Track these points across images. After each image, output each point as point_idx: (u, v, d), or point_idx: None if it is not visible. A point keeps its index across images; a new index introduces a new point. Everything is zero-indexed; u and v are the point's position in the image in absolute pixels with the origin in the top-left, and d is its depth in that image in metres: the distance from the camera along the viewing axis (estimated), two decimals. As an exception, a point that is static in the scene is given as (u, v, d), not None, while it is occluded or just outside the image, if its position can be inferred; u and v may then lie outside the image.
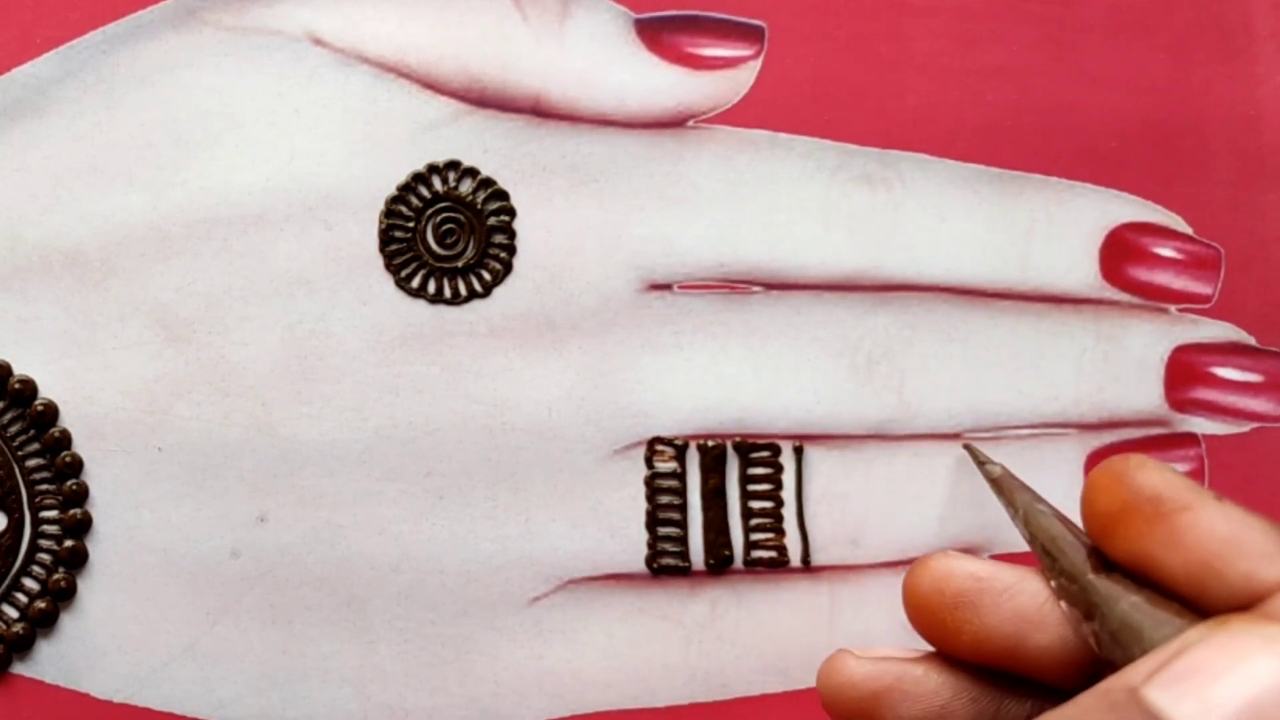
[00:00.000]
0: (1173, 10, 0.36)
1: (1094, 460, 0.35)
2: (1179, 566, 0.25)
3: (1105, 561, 0.27)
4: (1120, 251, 0.35)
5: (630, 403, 0.34)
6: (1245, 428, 0.36)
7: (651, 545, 0.34)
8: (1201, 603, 0.24)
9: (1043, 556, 0.28)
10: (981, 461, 0.32)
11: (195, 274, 0.34)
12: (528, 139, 0.34)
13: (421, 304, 0.34)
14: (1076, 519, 0.28)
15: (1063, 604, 0.27)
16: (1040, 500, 0.30)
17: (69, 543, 0.33)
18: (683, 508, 0.34)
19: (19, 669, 0.33)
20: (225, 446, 0.34)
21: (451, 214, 0.34)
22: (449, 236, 0.34)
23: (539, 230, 0.34)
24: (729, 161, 0.35)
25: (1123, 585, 0.25)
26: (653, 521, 0.34)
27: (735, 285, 0.35)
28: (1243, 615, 0.23)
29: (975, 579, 0.28)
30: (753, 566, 0.35)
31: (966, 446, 0.34)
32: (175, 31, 0.34)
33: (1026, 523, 0.29)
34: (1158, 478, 0.26)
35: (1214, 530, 0.25)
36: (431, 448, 0.34)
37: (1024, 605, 0.28)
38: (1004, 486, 0.31)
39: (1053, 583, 0.27)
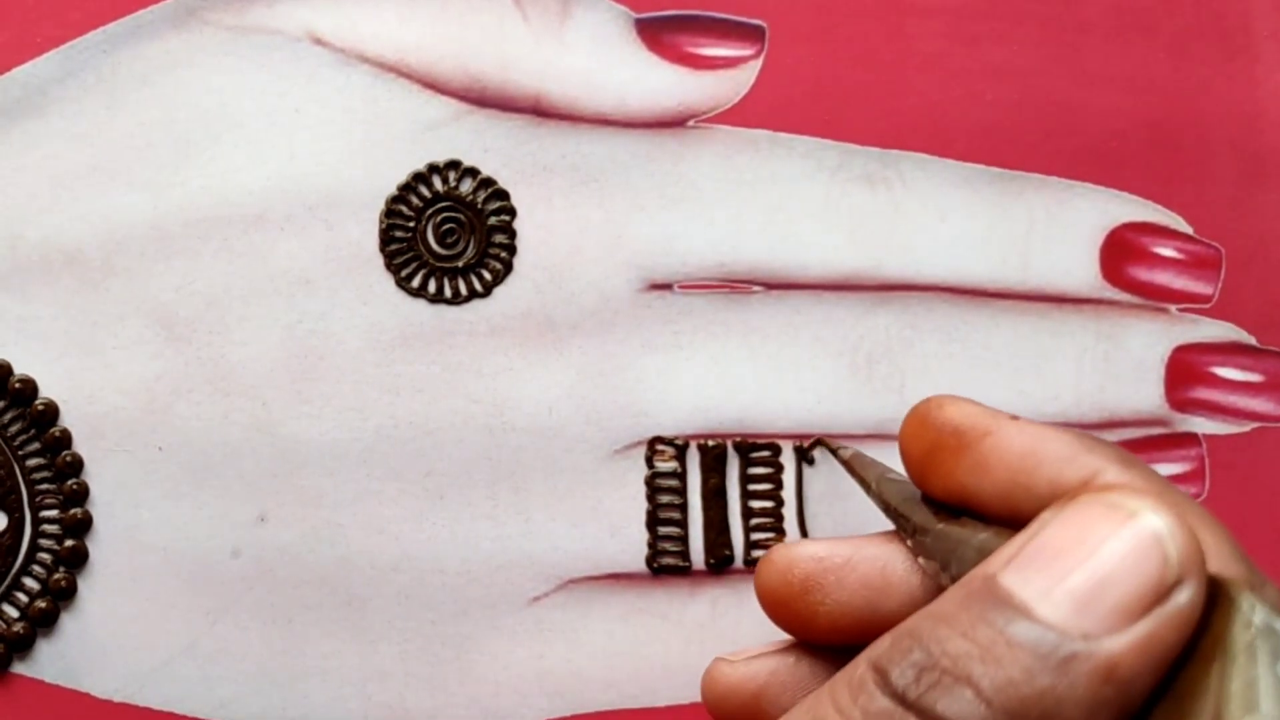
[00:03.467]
0: (1173, 10, 0.36)
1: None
2: (989, 490, 0.25)
3: (946, 509, 0.27)
4: (1120, 251, 0.35)
5: (631, 402, 0.34)
6: (1245, 427, 0.36)
7: (652, 545, 0.34)
8: (1019, 520, 0.24)
9: (896, 519, 0.28)
10: (834, 449, 0.33)
11: (195, 274, 0.34)
12: (528, 139, 0.34)
13: (422, 304, 0.34)
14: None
15: (921, 560, 0.27)
16: (891, 471, 0.30)
17: (69, 542, 0.33)
18: (683, 507, 0.34)
19: (19, 668, 0.33)
20: (225, 446, 0.34)
21: (452, 214, 0.34)
22: (449, 236, 0.34)
23: (539, 230, 0.34)
24: (729, 161, 0.35)
25: (971, 527, 0.26)
26: (653, 521, 0.34)
27: (736, 285, 0.35)
28: (1090, 489, 0.23)
29: (816, 560, 0.28)
30: (753, 566, 0.35)
31: (820, 441, 0.34)
32: (176, 31, 0.34)
33: (879, 492, 0.29)
34: (955, 410, 0.27)
35: (1012, 447, 0.25)
36: (432, 447, 0.34)
37: (867, 574, 0.28)
38: (855, 465, 0.31)
39: (909, 542, 0.28)
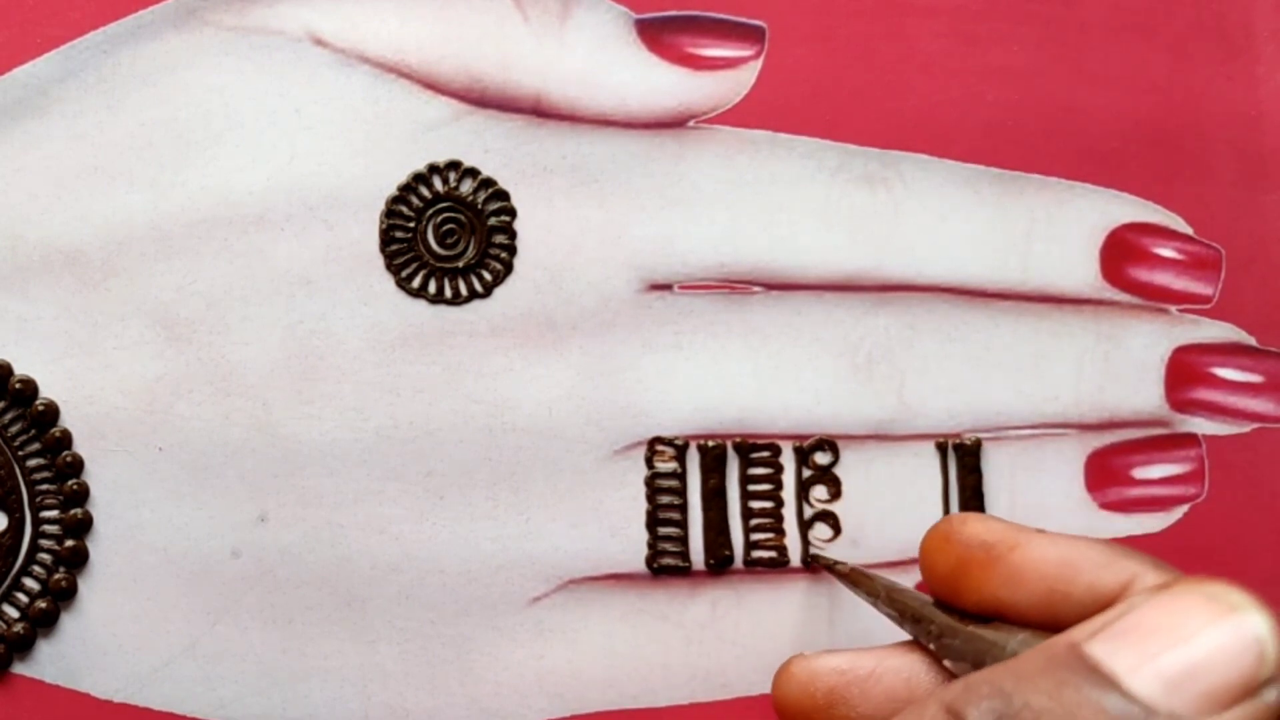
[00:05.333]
0: (1173, 10, 0.36)
1: (1094, 460, 0.35)
2: (1026, 600, 0.26)
3: (968, 615, 0.28)
4: (1121, 252, 0.35)
5: (630, 403, 0.34)
6: (1246, 428, 0.36)
7: (652, 545, 0.34)
8: (1059, 626, 0.25)
9: (914, 625, 0.29)
10: (830, 564, 0.34)
11: (196, 274, 0.34)
12: (528, 139, 0.34)
13: (422, 304, 0.34)
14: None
15: (947, 662, 0.28)
16: (894, 582, 0.31)
17: (69, 542, 0.33)
18: (683, 508, 0.34)
19: (19, 669, 0.33)
20: (226, 446, 0.34)
21: (452, 214, 0.34)
22: (450, 236, 0.34)
23: (540, 230, 0.34)
24: (730, 162, 0.35)
25: (1005, 630, 0.26)
26: (653, 521, 0.34)
27: (736, 285, 0.35)
28: (1185, 578, 0.24)
29: (839, 673, 0.29)
30: (753, 566, 0.35)
31: (813, 556, 0.34)
32: (176, 31, 0.34)
33: (890, 601, 0.30)
34: (981, 527, 0.28)
35: (1046, 558, 0.26)
36: (432, 448, 0.34)
37: (891, 685, 0.29)
38: (858, 578, 0.32)
39: (931, 645, 0.28)
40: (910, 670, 0.29)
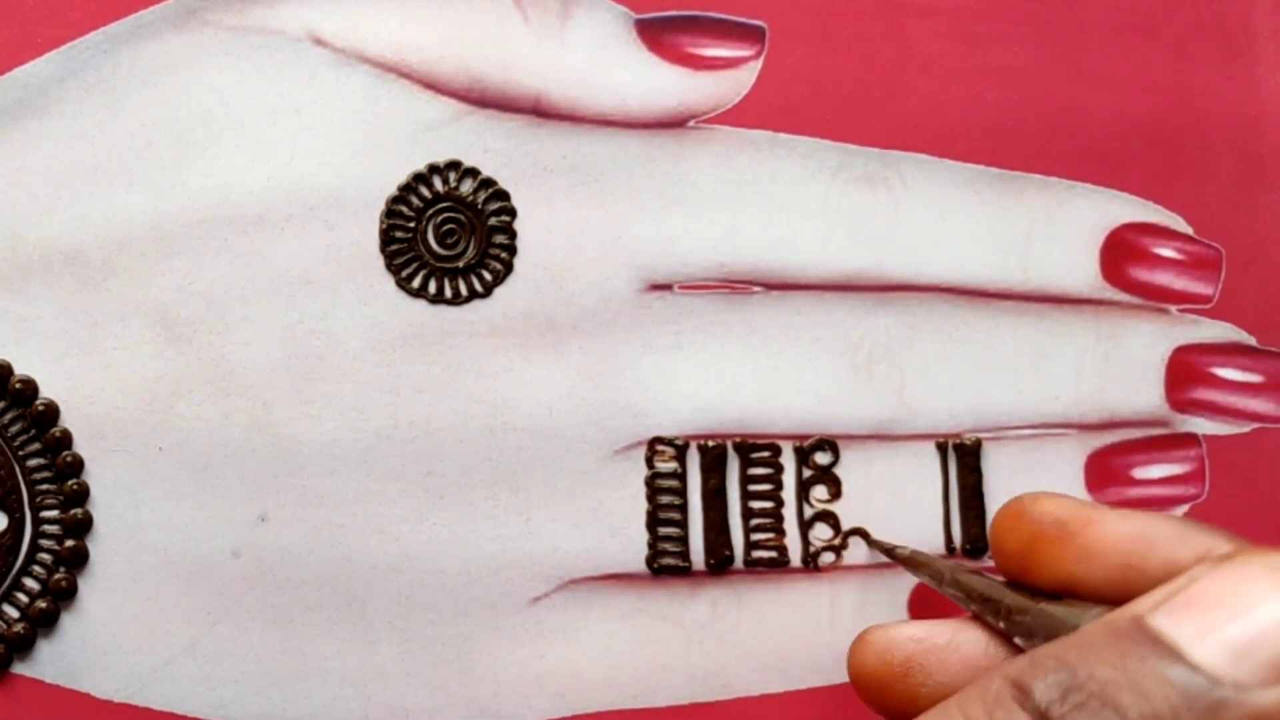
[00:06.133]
0: (1173, 10, 0.36)
1: (1094, 460, 0.35)
2: (1100, 575, 0.26)
3: (1039, 592, 0.28)
4: (1121, 252, 0.35)
5: (631, 403, 0.34)
6: (1246, 428, 0.36)
7: (652, 545, 0.34)
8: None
9: (984, 604, 0.29)
10: (889, 549, 0.33)
11: (196, 274, 0.34)
12: (528, 139, 0.34)
13: (422, 304, 0.34)
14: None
15: (1018, 640, 0.28)
16: (957, 564, 0.31)
17: (70, 542, 0.33)
18: (683, 508, 0.34)
19: (19, 669, 0.33)
20: (226, 446, 0.34)
21: (452, 214, 0.34)
22: (450, 236, 0.34)
23: (540, 230, 0.34)
24: (730, 162, 0.35)
25: (1078, 605, 0.26)
26: (653, 521, 0.34)
27: (736, 285, 0.35)
28: (1250, 548, 0.24)
29: (916, 641, 0.29)
30: (753, 567, 0.35)
31: (869, 541, 0.34)
32: (176, 31, 0.34)
33: (956, 583, 0.30)
34: (1054, 504, 0.28)
35: (1120, 533, 0.26)
36: (432, 448, 0.34)
37: (969, 654, 0.29)
38: (920, 560, 0.32)
39: (1001, 624, 0.28)
40: (988, 640, 0.29)
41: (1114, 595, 0.26)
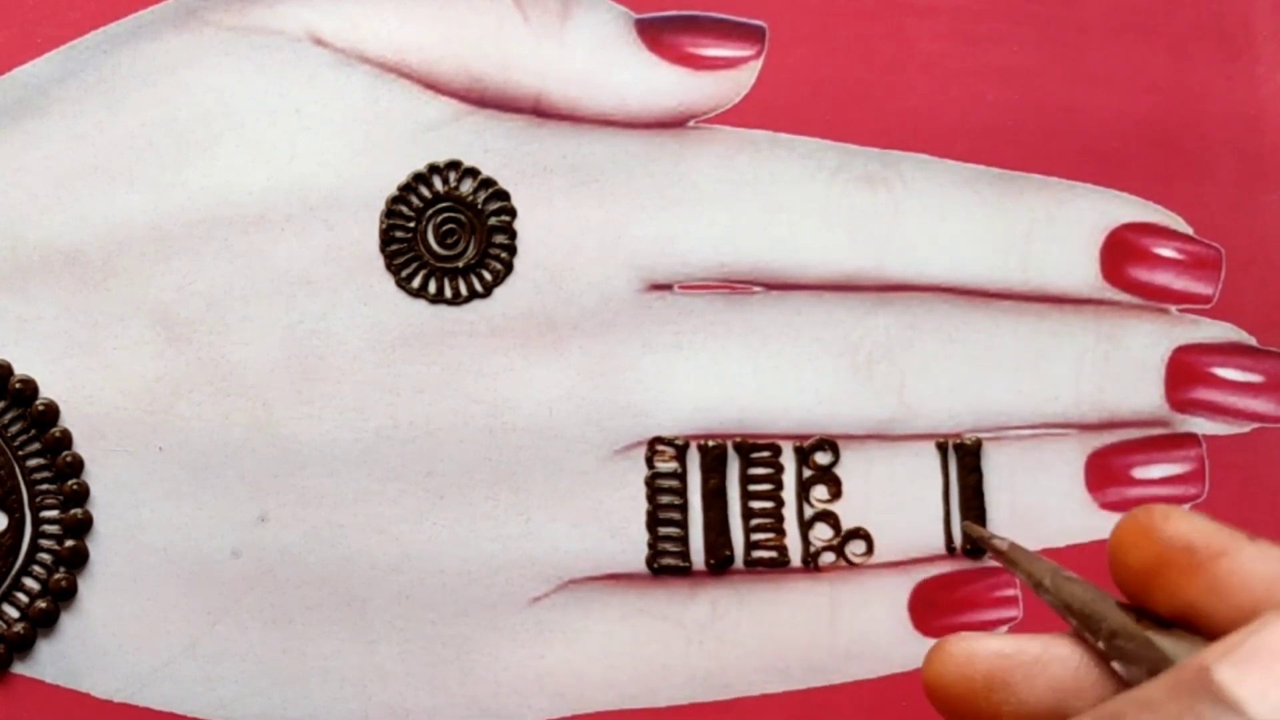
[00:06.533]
0: (1173, 11, 0.36)
1: (1094, 460, 0.35)
2: (1225, 614, 0.24)
3: (1150, 616, 0.26)
4: (1120, 252, 0.35)
5: (631, 403, 0.34)
6: (1246, 428, 0.36)
7: (652, 545, 0.34)
8: None
9: (1084, 619, 0.27)
10: (986, 538, 0.31)
11: (196, 274, 0.34)
12: (528, 139, 0.34)
13: (422, 304, 0.34)
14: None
15: (1116, 664, 0.26)
16: (1059, 568, 0.28)
17: (69, 542, 0.33)
18: (683, 508, 0.34)
19: (19, 669, 0.33)
20: (226, 446, 0.34)
21: (452, 214, 0.34)
22: (450, 236, 0.34)
23: (540, 230, 0.34)
24: (730, 162, 0.35)
25: (1187, 639, 0.25)
26: (653, 521, 0.34)
27: (736, 285, 0.35)
28: None
29: (1002, 656, 0.27)
30: (753, 567, 0.35)
31: (966, 528, 0.33)
32: (176, 31, 0.34)
33: (1057, 590, 0.28)
34: (1187, 526, 0.26)
35: (1255, 573, 0.24)
36: (432, 448, 0.34)
37: (1058, 675, 0.27)
38: (1018, 557, 0.29)
39: (1100, 644, 0.26)
40: (1079, 661, 0.27)
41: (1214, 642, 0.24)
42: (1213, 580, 0.25)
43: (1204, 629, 0.25)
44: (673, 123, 0.35)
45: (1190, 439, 0.35)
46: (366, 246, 0.34)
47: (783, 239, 0.35)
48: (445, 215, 0.34)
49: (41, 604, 0.33)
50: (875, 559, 0.35)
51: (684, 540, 0.34)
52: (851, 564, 0.35)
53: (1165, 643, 0.25)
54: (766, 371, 0.35)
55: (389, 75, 0.34)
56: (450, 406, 0.34)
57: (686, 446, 0.35)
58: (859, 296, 0.35)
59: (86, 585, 0.34)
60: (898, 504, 0.35)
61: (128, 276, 0.34)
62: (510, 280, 0.34)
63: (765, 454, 0.35)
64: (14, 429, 0.34)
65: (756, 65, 0.35)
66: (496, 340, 0.34)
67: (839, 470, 0.35)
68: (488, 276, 0.34)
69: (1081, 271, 0.35)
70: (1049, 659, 0.27)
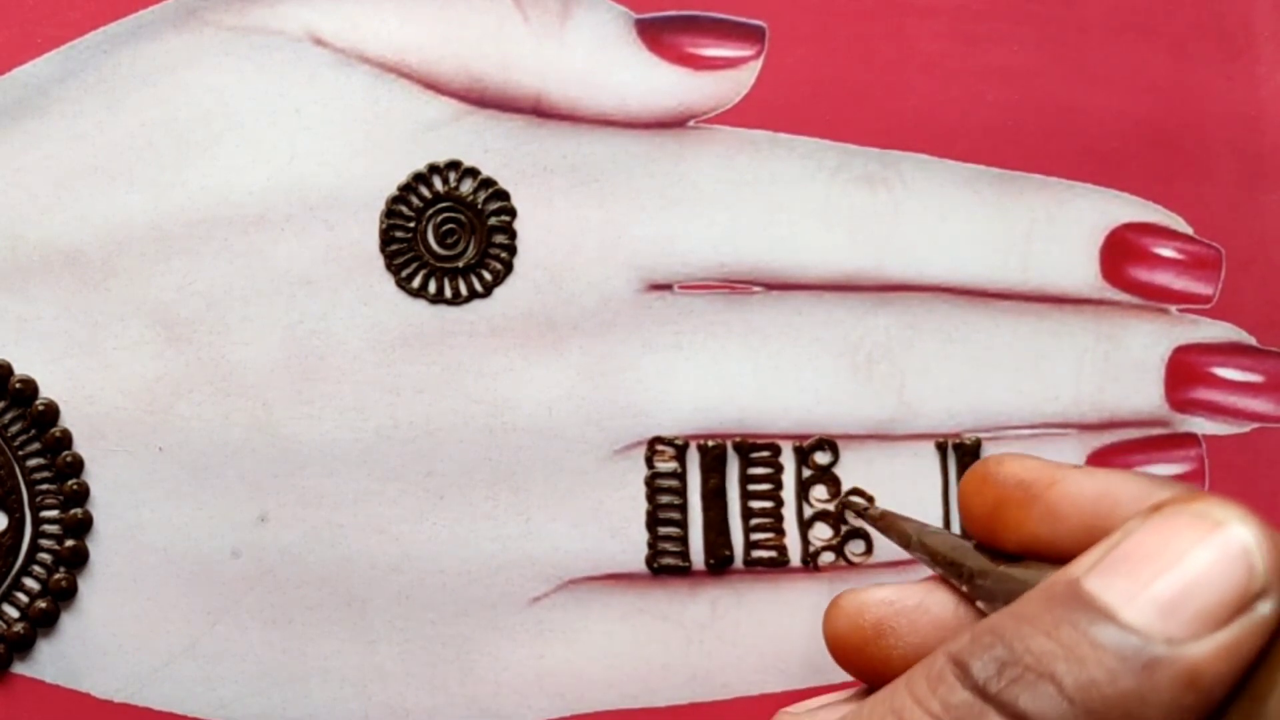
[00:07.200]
0: (1173, 11, 0.36)
1: (1094, 460, 0.35)
2: (1065, 535, 0.26)
3: (1005, 556, 0.27)
4: (1120, 251, 0.35)
5: (630, 403, 0.34)
6: (1246, 428, 0.36)
7: (652, 545, 0.34)
8: None
9: (948, 567, 0.29)
10: (861, 510, 0.33)
11: (196, 274, 0.34)
12: (529, 139, 0.34)
13: (422, 304, 0.34)
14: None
15: (979, 603, 0.28)
16: (925, 524, 0.31)
17: (70, 542, 0.33)
18: (683, 508, 0.34)
19: (19, 669, 0.33)
20: (226, 446, 0.34)
21: (452, 214, 0.34)
22: (450, 236, 0.34)
23: (540, 230, 0.34)
24: (730, 162, 0.35)
25: (1036, 567, 0.26)
26: (653, 521, 0.34)
27: (736, 285, 0.35)
28: (1177, 498, 0.24)
29: (887, 604, 0.29)
30: (753, 566, 0.35)
31: (844, 502, 0.34)
32: (176, 31, 0.34)
33: (922, 544, 0.30)
34: (1018, 465, 0.27)
35: (1083, 493, 0.26)
36: (432, 448, 0.34)
37: (939, 615, 0.29)
38: (889, 521, 0.31)
39: (964, 587, 0.28)
40: (957, 602, 0.28)
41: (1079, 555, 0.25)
42: (1047, 508, 0.26)
43: (1050, 556, 0.26)
44: (673, 123, 0.35)
45: (1190, 439, 0.35)
46: (366, 246, 0.34)
47: (783, 239, 0.35)
48: (445, 215, 0.34)
49: (41, 604, 0.33)
50: (875, 559, 0.35)
51: (684, 540, 0.34)
52: (851, 564, 0.35)
53: (1018, 573, 0.26)
54: (766, 371, 0.35)
55: (389, 75, 0.34)
56: (450, 406, 0.34)
57: (686, 446, 0.35)
58: (859, 296, 0.35)
59: (86, 585, 0.34)
60: (898, 504, 0.35)
61: (128, 276, 0.34)
62: (510, 280, 0.34)
63: (765, 454, 0.35)
64: (14, 429, 0.34)
65: (756, 65, 0.35)
66: (496, 340, 0.34)
67: (839, 470, 0.35)
68: (488, 276, 0.34)
69: (1081, 271, 0.35)
70: (930, 602, 0.29)
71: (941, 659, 0.23)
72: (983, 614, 0.28)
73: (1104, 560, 0.23)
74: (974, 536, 0.28)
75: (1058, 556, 0.26)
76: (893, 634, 0.29)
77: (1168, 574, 0.22)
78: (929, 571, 0.30)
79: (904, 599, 0.29)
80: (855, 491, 0.35)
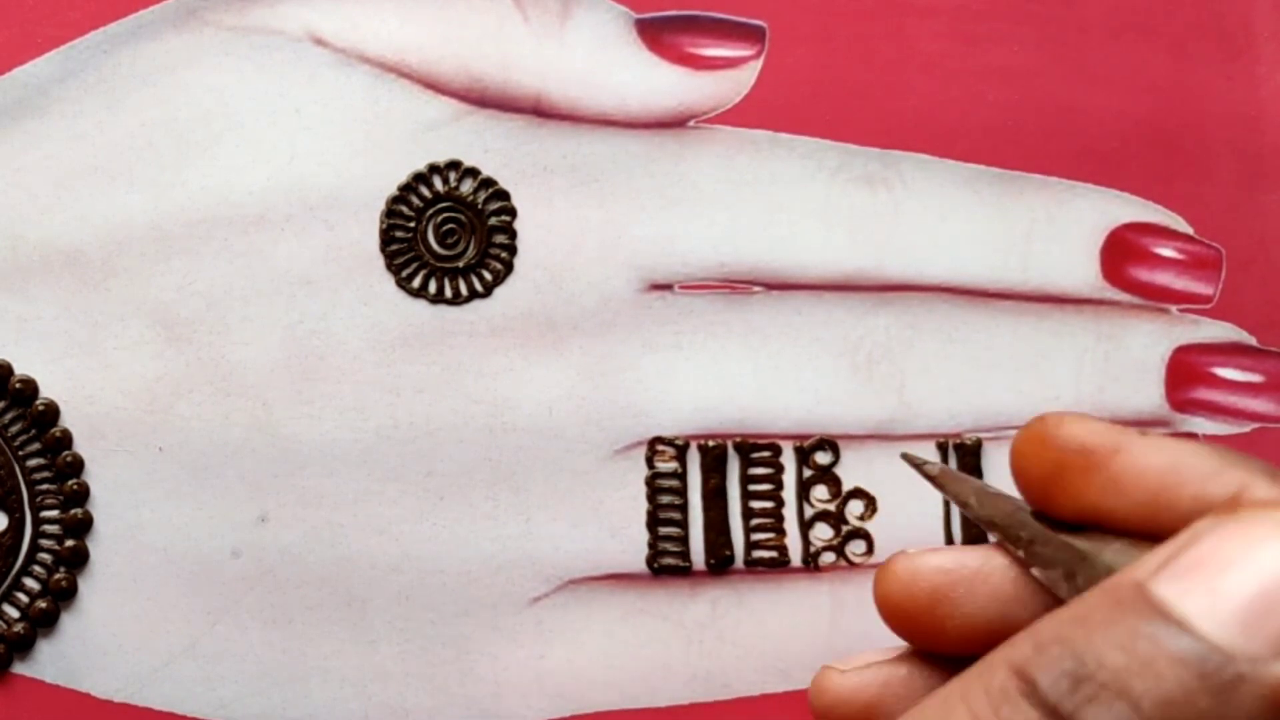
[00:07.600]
0: (1173, 10, 0.36)
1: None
2: (1128, 509, 0.25)
3: (1060, 522, 0.26)
4: (1121, 251, 0.35)
5: (631, 403, 0.34)
6: (1246, 428, 0.36)
7: (652, 545, 0.34)
8: (1160, 537, 0.23)
9: (1004, 531, 0.27)
10: (919, 464, 0.31)
11: (196, 274, 0.34)
12: (529, 139, 0.34)
13: (422, 304, 0.34)
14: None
15: (1035, 571, 0.26)
16: (986, 484, 0.29)
17: (70, 542, 0.33)
18: (683, 508, 0.34)
19: (19, 669, 0.33)
20: (226, 446, 0.34)
21: (452, 214, 0.34)
22: (450, 236, 0.34)
23: (540, 230, 0.34)
24: (730, 161, 0.35)
25: (1098, 538, 0.25)
26: (653, 521, 0.34)
27: (736, 285, 0.35)
28: (1254, 502, 0.23)
29: (944, 572, 0.27)
30: (753, 566, 0.35)
31: (904, 456, 0.33)
32: (176, 31, 0.34)
33: (980, 505, 0.28)
34: (1080, 428, 0.26)
35: (1150, 464, 0.24)
36: (432, 448, 0.34)
37: (998, 585, 0.27)
38: (946, 480, 0.30)
39: (1020, 553, 0.27)
40: (1016, 571, 0.27)
41: (1142, 529, 0.24)
42: (1110, 477, 0.25)
43: (1109, 527, 0.25)
44: (673, 123, 0.35)
45: (1190, 439, 0.35)
46: (366, 246, 0.34)
47: (783, 239, 0.35)
48: (445, 215, 0.34)
49: (41, 604, 0.33)
50: (875, 559, 0.35)
51: (684, 540, 0.34)
52: (851, 564, 0.35)
53: (1080, 545, 0.25)
54: (766, 371, 0.35)
55: (389, 75, 0.34)
56: (450, 406, 0.34)
57: (686, 446, 0.35)
58: (859, 296, 0.35)
59: (86, 585, 0.34)
60: (898, 504, 0.35)
61: (128, 276, 0.34)
62: (510, 280, 0.34)
63: (765, 454, 0.35)
64: (14, 429, 0.34)
65: (756, 65, 0.35)
66: (496, 340, 0.34)
67: (839, 470, 0.35)
68: (488, 276, 0.34)
69: (1081, 271, 0.35)
70: (989, 570, 0.27)
71: (1003, 671, 0.22)
72: (1040, 585, 0.26)
73: (1174, 564, 0.22)
74: (1029, 500, 0.27)
75: (1117, 528, 0.25)
76: (948, 602, 0.27)
77: (1250, 586, 0.21)
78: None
79: (961, 566, 0.27)
80: (857, 491, 0.35)
